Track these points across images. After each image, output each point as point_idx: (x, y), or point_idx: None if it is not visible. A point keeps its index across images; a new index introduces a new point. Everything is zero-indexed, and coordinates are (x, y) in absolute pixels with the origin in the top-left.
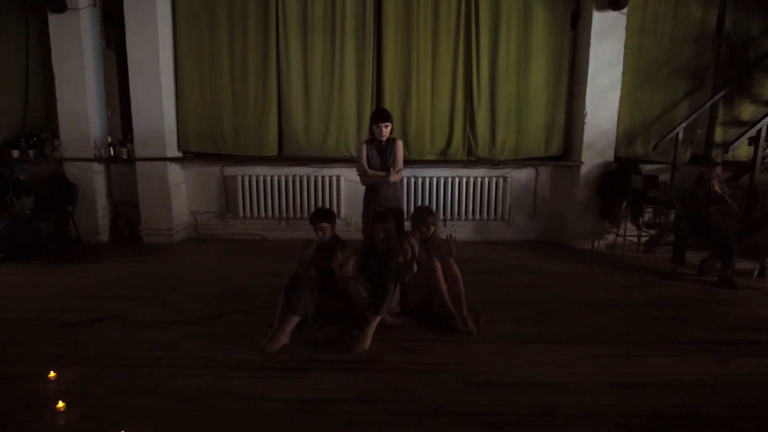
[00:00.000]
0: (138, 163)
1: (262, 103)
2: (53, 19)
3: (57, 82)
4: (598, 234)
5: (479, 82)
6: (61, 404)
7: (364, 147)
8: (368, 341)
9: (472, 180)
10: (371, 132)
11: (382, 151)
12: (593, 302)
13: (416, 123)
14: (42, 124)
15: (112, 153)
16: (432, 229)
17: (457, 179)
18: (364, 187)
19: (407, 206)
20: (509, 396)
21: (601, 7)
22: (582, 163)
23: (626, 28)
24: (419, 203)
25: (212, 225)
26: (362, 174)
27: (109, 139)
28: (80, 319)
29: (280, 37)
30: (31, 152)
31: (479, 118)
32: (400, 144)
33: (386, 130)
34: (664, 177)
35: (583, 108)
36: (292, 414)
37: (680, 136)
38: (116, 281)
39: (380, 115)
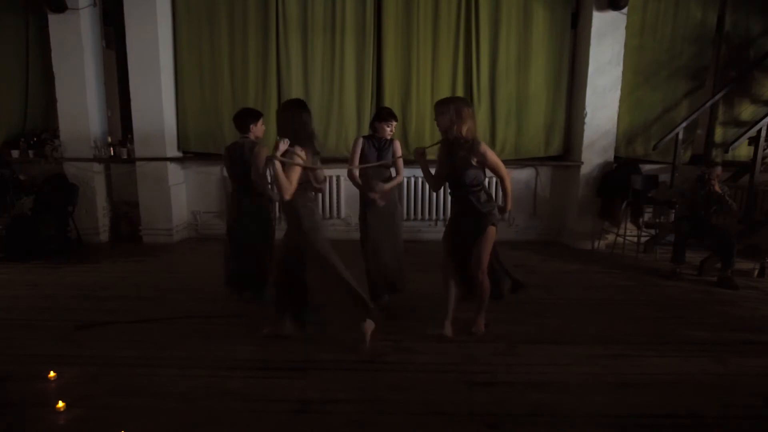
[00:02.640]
0: (138, 163)
1: (262, 103)
2: (53, 19)
3: (57, 82)
4: (598, 234)
5: (479, 82)
6: (61, 404)
7: (360, 142)
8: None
9: None
10: (373, 129)
11: (381, 149)
12: (593, 302)
13: (416, 123)
14: (42, 124)
15: (112, 153)
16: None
17: None
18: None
19: (407, 207)
20: (509, 396)
21: (601, 7)
22: (582, 163)
23: (626, 28)
24: (419, 203)
25: (212, 225)
26: (349, 173)
27: (109, 139)
28: (91, 321)
29: (280, 37)
30: (31, 152)
31: (479, 118)
32: (399, 147)
33: (392, 130)
34: (664, 177)
35: (583, 108)
36: (292, 414)
37: (680, 136)
38: (116, 281)
39: (389, 113)
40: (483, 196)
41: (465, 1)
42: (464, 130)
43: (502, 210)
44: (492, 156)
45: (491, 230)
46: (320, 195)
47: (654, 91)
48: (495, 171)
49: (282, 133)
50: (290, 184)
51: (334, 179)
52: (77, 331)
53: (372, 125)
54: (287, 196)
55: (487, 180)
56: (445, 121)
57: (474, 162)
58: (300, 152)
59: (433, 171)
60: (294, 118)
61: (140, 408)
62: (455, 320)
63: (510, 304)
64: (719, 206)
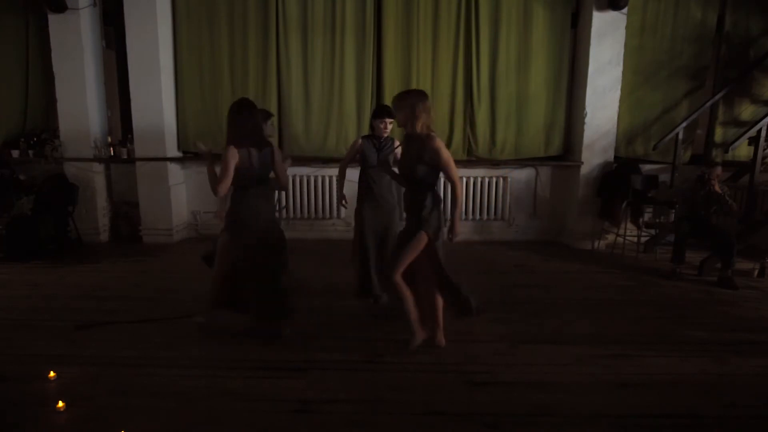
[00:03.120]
0: (138, 163)
1: (262, 103)
2: (53, 19)
3: (57, 82)
4: (598, 234)
5: (479, 82)
6: (61, 404)
7: (359, 143)
8: None
9: (472, 180)
10: (372, 128)
11: (381, 148)
12: (593, 302)
13: None
14: (42, 124)
15: (112, 153)
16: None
17: None
18: (362, 186)
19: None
20: (509, 396)
21: (601, 7)
22: (582, 163)
23: (626, 28)
24: None
25: (212, 225)
26: (339, 171)
27: (109, 139)
28: (91, 321)
29: (280, 37)
30: (31, 152)
31: (479, 118)
32: (399, 148)
33: (389, 127)
34: (664, 177)
35: (583, 108)
36: (292, 414)
37: (680, 136)
38: (116, 281)
39: (383, 110)
40: (428, 201)
41: (465, 1)
42: (419, 125)
43: (450, 233)
44: (445, 155)
45: (421, 236)
46: (320, 195)
47: (654, 91)
48: (446, 173)
49: (235, 134)
50: (219, 181)
51: (335, 179)
52: (77, 331)
53: (370, 124)
54: (215, 194)
55: (441, 190)
56: (401, 117)
57: (425, 158)
58: (232, 150)
59: None
60: (248, 120)
61: (140, 408)
62: (452, 322)
63: (510, 304)
64: (719, 206)
